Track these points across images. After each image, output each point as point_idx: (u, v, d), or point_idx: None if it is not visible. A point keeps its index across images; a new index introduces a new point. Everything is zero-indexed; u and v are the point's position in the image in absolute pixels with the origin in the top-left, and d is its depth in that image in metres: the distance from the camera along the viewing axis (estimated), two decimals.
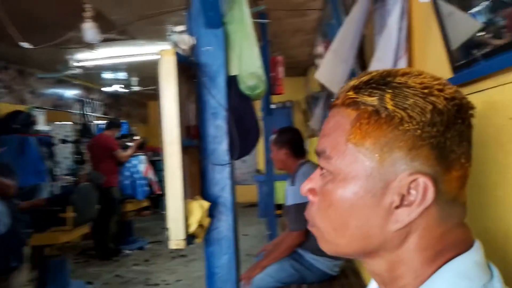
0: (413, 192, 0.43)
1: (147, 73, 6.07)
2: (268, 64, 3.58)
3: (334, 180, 0.46)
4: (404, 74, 0.45)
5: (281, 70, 3.92)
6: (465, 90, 0.89)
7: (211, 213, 1.24)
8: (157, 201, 7.23)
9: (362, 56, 2.11)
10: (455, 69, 0.89)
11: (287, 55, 5.60)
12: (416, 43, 1.24)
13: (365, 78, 0.47)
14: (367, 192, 0.44)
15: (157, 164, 7.66)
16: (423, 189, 0.42)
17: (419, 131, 0.42)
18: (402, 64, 1.28)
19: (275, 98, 6.23)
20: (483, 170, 0.80)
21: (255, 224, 6.03)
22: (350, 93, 0.46)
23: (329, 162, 0.47)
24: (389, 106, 0.43)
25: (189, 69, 1.29)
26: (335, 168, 0.46)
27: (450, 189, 0.44)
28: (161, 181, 7.39)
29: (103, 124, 5.34)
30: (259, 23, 3.29)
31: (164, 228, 1.15)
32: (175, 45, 1.26)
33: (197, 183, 1.31)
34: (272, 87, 3.69)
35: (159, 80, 1.12)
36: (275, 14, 3.85)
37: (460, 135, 0.44)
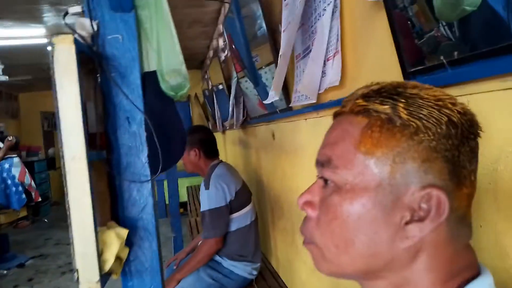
0: (424, 206, 0.41)
1: (16, 61, 5.18)
2: None
3: (340, 192, 0.44)
4: (415, 86, 0.44)
5: None
6: None
7: (130, 239, 1.02)
8: (37, 208, 6.30)
9: (277, 49, 2.04)
10: (409, 74, 0.83)
11: (183, 47, 5.34)
12: (349, 44, 1.18)
13: (375, 87, 0.45)
14: (376, 205, 0.42)
15: (34, 166, 6.67)
16: (436, 203, 0.40)
17: (434, 142, 0.40)
18: (334, 65, 1.22)
19: None
20: None
21: None
22: (360, 100, 0.44)
23: (336, 172, 0.44)
24: (403, 115, 0.41)
25: (91, 62, 1.02)
26: (341, 179, 0.44)
27: (460, 207, 0.42)
28: (40, 184, 6.45)
29: None
30: None
31: (48, 239, 0.89)
32: (72, 30, 0.98)
33: (107, 204, 1.06)
34: None
35: (53, 75, 0.85)
36: (172, 1, 3.58)
37: (472, 151, 0.43)
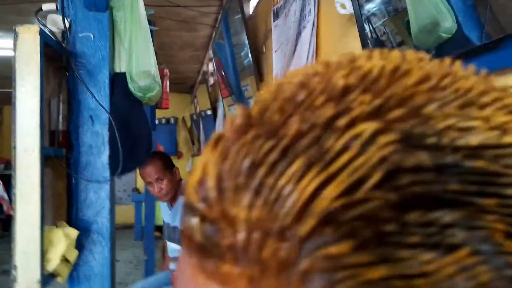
0: None
1: (3, 72, 5.15)
2: None
3: None
4: None
5: (166, 84, 3.72)
6: None
7: (81, 243, 0.97)
8: (7, 223, 6.08)
9: (259, 71, 2.07)
10: None
11: (173, 70, 5.37)
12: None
13: None
14: None
15: (10, 179, 6.50)
16: None
17: None
18: None
19: (158, 113, 5.90)
20: None
21: (130, 247, 5.49)
22: None
23: None
24: None
25: (60, 59, 1.01)
26: None
27: None
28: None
29: None
30: None
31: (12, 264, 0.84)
32: (42, 25, 0.97)
33: (63, 207, 1.02)
34: None
35: (14, 64, 0.83)
36: (164, 23, 3.63)
37: None
